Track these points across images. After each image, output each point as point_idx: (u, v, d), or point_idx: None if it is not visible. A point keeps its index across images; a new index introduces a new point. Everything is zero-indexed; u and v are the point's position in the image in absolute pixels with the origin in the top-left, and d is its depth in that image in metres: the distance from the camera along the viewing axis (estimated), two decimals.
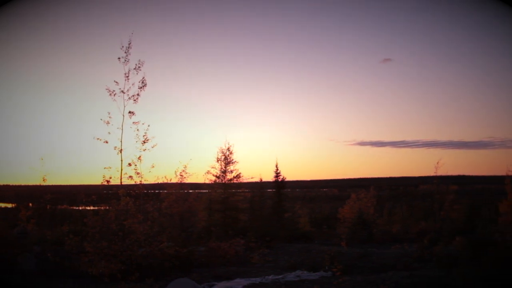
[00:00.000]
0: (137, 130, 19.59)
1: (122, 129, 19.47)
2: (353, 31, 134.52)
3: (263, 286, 16.16)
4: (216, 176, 34.16)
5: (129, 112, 19.58)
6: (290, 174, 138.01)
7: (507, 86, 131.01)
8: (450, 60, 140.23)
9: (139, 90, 19.83)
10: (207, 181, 34.48)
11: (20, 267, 18.24)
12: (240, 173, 34.27)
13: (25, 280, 17.00)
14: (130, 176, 19.69)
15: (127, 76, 19.81)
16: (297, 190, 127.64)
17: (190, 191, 34.21)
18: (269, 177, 38.72)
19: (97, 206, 24.05)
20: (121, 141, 19.50)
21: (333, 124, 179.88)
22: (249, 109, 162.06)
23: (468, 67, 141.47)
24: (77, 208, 53.23)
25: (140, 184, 19.98)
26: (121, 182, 19.51)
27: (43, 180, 26.01)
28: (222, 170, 34.07)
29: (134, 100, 19.78)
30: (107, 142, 19.47)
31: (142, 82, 19.86)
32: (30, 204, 30.81)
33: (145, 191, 21.51)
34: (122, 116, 19.54)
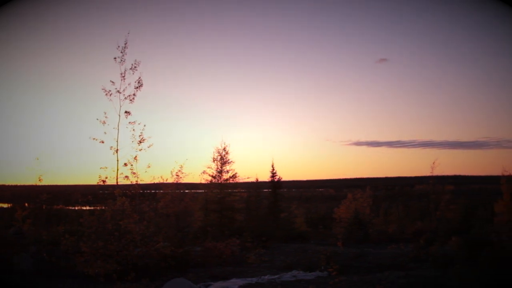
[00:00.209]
0: (133, 130, 19.57)
1: (118, 129, 19.45)
2: (349, 31, 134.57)
3: (259, 286, 16.17)
4: (212, 176, 34.15)
5: (125, 112, 19.56)
6: (286, 174, 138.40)
7: (503, 86, 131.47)
8: (446, 61, 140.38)
9: (135, 90, 19.81)
10: (203, 181, 34.49)
11: (16, 267, 18.22)
12: (236, 173, 34.30)
13: (21, 280, 16.98)
14: (126, 176, 19.66)
15: (123, 76, 19.79)
16: (293, 190, 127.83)
17: (186, 191, 34.25)
18: (265, 177, 38.78)
19: (93, 206, 24.05)
20: (117, 141, 19.48)
21: (329, 124, 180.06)
22: (245, 109, 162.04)
23: (465, 67, 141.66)
24: (73, 208, 53.16)
25: (136, 184, 19.94)
26: (117, 182, 19.49)
27: (39, 180, 26.01)
28: (218, 170, 34.06)
29: (130, 100, 19.76)
30: (103, 142, 19.45)
31: (138, 82, 19.84)
32: (26, 204, 30.76)
33: (141, 191, 21.51)
34: (118, 116, 19.52)
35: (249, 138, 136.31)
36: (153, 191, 32.95)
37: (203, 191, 36.94)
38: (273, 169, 37.74)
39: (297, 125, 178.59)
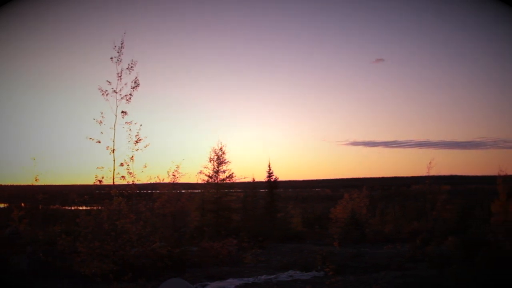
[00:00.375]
0: (130, 130, 19.53)
1: (114, 129, 19.42)
2: (346, 32, 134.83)
3: (256, 286, 16.17)
4: (209, 176, 34.18)
5: (122, 112, 19.52)
6: (283, 174, 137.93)
7: (499, 86, 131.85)
8: (443, 61, 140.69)
9: (132, 90, 19.77)
10: (199, 181, 34.51)
11: (12, 268, 18.19)
12: (232, 173, 34.33)
13: (18, 280, 16.97)
14: (123, 176, 19.61)
15: (120, 76, 19.76)
16: (290, 190, 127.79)
17: (183, 191, 34.22)
18: (261, 177, 38.81)
19: (90, 206, 24.01)
20: (113, 141, 19.44)
21: (325, 124, 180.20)
22: (241, 110, 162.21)
23: (461, 67, 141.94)
24: (70, 208, 53.06)
25: (133, 184, 19.90)
26: (113, 182, 19.46)
27: (35, 180, 25.92)
28: (214, 170, 34.09)
29: (127, 100, 19.72)
30: (99, 142, 19.41)
31: (135, 82, 19.80)
32: (23, 204, 30.68)
33: (138, 191, 21.45)
34: (115, 116, 19.49)
35: (246, 138, 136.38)
36: (149, 191, 32.89)
37: (199, 191, 36.94)
38: (270, 169, 37.82)
39: (293, 125, 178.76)
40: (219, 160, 33.97)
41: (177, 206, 29.99)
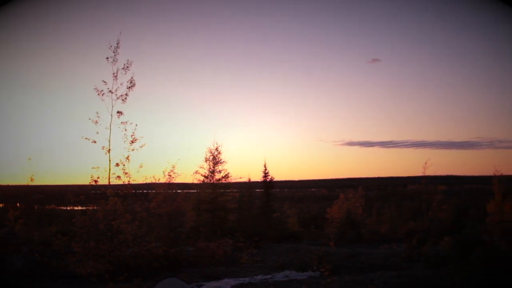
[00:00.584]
0: (125, 130, 19.56)
1: (110, 129, 19.45)
2: (342, 32, 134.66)
3: (252, 286, 16.19)
4: (205, 176, 34.13)
5: (118, 112, 19.54)
6: (279, 174, 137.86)
7: (495, 86, 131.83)
8: (439, 61, 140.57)
9: (128, 90, 19.79)
10: (195, 181, 34.45)
11: (8, 268, 18.18)
12: (228, 173, 34.30)
13: (13, 280, 16.95)
14: (118, 176, 19.64)
15: (116, 76, 19.78)
16: (286, 190, 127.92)
17: (179, 191, 34.18)
18: (257, 177, 38.80)
19: (85, 206, 23.99)
20: (109, 141, 19.47)
21: (321, 124, 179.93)
22: (237, 110, 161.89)
23: (457, 67, 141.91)
24: (65, 208, 53.00)
25: (128, 184, 19.91)
26: (109, 182, 19.48)
27: (31, 180, 25.92)
28: (210, 170, 34.05)
29: (123, 100, 19.74)
30: (95, 142, 19.45)
31: (131, 82, 19.82)
32: (18, 204, 30.67)
33: (134, 191, 21.45)
34: (110, 116, 19.51)
35: (241, 138, 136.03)
36: (145, 191, 32.86)
37: (195, 191, 36.91)
38: (266, 169, 37.80)
39: (289, 125, 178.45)
40: (215, 160, 33.95)
41: (173, 206, 29.95)
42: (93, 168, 19.33)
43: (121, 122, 19.53)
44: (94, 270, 16.99)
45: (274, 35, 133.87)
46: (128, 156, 19.64)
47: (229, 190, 36.04)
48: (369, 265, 20.04)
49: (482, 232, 19.65)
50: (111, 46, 19.83)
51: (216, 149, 33.91)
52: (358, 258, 21.98)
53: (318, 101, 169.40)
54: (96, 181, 19.27)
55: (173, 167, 29.13)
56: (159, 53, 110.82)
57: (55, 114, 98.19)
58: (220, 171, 34.16)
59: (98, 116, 19.39)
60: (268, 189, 37.93)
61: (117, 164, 19.49)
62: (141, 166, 20.04)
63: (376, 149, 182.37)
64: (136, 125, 19.75)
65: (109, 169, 19.47)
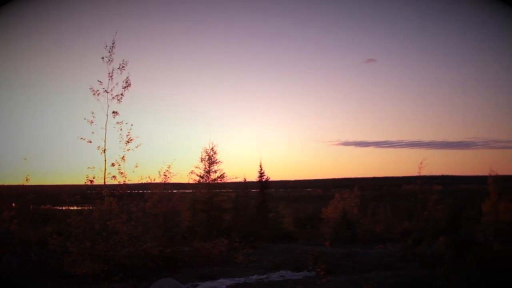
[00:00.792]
0: (121, 130, 19.49)
1: (105, 129, 19.38)
2: (337, 31, 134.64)
3: (247, 286, 16.20)
4: (200, 176, 34.13)
5: (113, 112, 19.46)
6: (274, 174, 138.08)
7: (490, 86, 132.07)
8: (434, 61, 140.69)
9: (123, 90, 19.72)
10: (191, 181, 34.43)
11: (3, 268, 18.15)
12: (224, 173, 34.29)
13: (8, 280, 16.93)
14: (114, 176, 19.58)
15: (111, 76, 19.72)
16: (281, 190, 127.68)
17: (174, 191, 34.15)
18: (253, 177, 38.83)
19: (81, 206, 23.96)
20: (104, 141, 19.39)
21: (317, 124, 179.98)
22: (233, 109, 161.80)
23: (452, 68, 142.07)
24: (61, 208, 52.91)
25: (124, 184, 19.86)
26: (104, 182, 19.42)
27: (26, 180, 25.87)
28: (206, 170, 34.05)
29: (118, 100, 19.67)
30: (90, 141, 19.36)
31: (126, 82, 19.76)
32: (13, 204, 30.58)
33: (129, 191, 21.41)
34: (106, 116, 19.45)
35: (237, 138, 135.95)
36: (140, 191, 32.81)
37: (191, 191, 36.89)
38: (261, 169, 37.84)
39: (285, 125, 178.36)
40: (211, 160, 33.95)
41: (168, 206, 29.89)
42: (88, 168, 19.26)
43: (117, 122, 19.46)
44: (89, 270, 16.99)
45: (269, 36, 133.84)
46: (123, 156, 19.57)
47: (224, 190, 36.10)
48: (364, 265, 20.08)
49: (478, 232, 19.69)
50: (106, 46, 19.77)
51: (212, 149, 33.94)
52: (353, 258, 22.02)
53: (314, 101, 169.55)
54: (91, 181, 19.20)
55: (169, 167, 29.09)
56: (154, 53, 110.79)
57: (51, 114, 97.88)
58: (215, 171, 34.19)
59: (93, 116, 19.31)
60: (263, 189, 37.97)
61: (113, 164, 19.43)
62: (137, 166, 19.98)
63: (371, 149, 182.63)
64: (132, 125, 19.69)
65: (105, 169, 19.42)
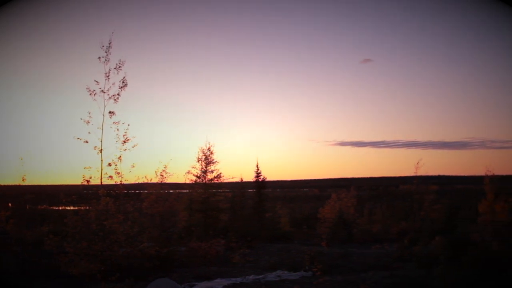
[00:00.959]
0: (117, 130, 19.48)
1: (102, 129, 19.37)
2: (333, 32, 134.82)
3: (244, 286, 16.20)
4: (197, 176, 34.11)
5: (110, 112, 19.46)
6: (271, 174, 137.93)
7: (486, 86, 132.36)
8: (431, 61, 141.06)
9: (120, 89, 19.71)
10: (188, 181, 34.41)
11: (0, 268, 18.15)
12: (220, 173, 34.28)
13: (5, 280, 16.90)
14: (110, 176, 19.57)
15: (108, 76, 19.70)
16: (278, 190, 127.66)
17: (171, 191, 34.13)
18: (249, 177, 38.82)
19: (77, 206, 23.95)
20: (101, 141, 19.39)
21: (313, 124, 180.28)
22: (230, 110, 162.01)
23: (449, 68, 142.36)
24: (57, 208, 52.85)
25: (121, 184, 19.85)
26: (101, 182, 19.41)
27: (23, 180, 25.85)
28: (202, 170, 34.03)
29: (115, 100, 19.66)
30: (87, 142, 19.35)
31: (123, 82, 19.74)
32: (10, 204, 30.56)
33: (126, 191, 21.39)
34: (103, 116, 19.44)
35: (234, 138, 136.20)
36: (137, 191, 32.77)
37: (188, 191, 36.86)
38: (258, 169, 37.82)
39: (281, 125, 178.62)
40: (207, 160, 33.94)
41: (165, 206, 29.85)
42: (85, 168, 19.26)
43: (113, 122, 19.45)
44: (86, 270, 16.98)
45: (266, 36, 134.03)
46: (120, 156, 19.57)
47: (221, 190, 36.09)
48: (361, 265, 20.09)
49: (474, 232, 19.70)
50: (103, 46, 19.75)
51: (208, 149, 33.93)
52: (350, 258, 22.03)
53: (310, 101, 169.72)
54: (88, 181, 19.20)
55: (165, 167, 29.07)
56: (151, 53, 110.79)
57: (47, 114, 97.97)
58: (212, 171, 34.18)
59: (90, 116, 19.30)
60: (260, 189, 37.95)
61: (109, 164, 19.42)
62: (133, 166, 19.99)
63: (368, 149, 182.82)
64: (128, 125, 19.70)
65: (101, 169, 19.41)
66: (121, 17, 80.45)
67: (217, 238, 24.40)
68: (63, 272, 17.31)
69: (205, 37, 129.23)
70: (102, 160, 19.44)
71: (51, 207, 53.87)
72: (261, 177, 37.95)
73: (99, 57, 19.73)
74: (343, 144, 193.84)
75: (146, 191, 30.76)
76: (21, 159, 25.73)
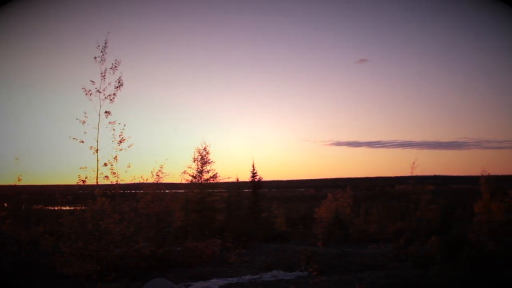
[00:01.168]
0: (113, 130, 19.45)
1: (98, 129, 19.34)
2: (329, 32, 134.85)
3: (240, 286, 16.20)
4: (193, 176, 34.04)
5: (105, 111, 19.42)
6: (267, 174, 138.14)
7: (482, 87, 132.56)
8: (427, 61, 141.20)
9: (116, 89, 19.68)
10: (183, 181, 34.36)
11: None
12: (216, 173, 34.21)
13: (0, 280, 16.88)
14: (106, 176, 19.55)
15: (104, 76, 19.67)
16: (274, 190, 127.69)
17: (167, 191, 34.09)
18: (245, 177, 38.82)
19: (73, 206, 23.92)
20: (97, 141, 19.36)
21: (309, 124, 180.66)
22: (226, 110, 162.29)
23: (445, 68, 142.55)
24: (53, 208, 52.76)
25: (116, 184, 19.82)
26: (97, 182, 19.38)
27: (18, 179, 25.81)
28: (198, 170, 33.96)
29: (111, 99, 19.64)
30: (83, 141, 19.32)
31: (119, 82, 19.71)
32: (5, 204, 30.51)
33: (121, 191, 21.36)
34: (98, 116, 19.41)
35: (230, 138, 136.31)
36: (133, 191, 32.74)
37: (183, 191, 36.82)
38: (254, 169, 37.80)
39: (277, 125, 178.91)
40: (203, 160, 33.88)
41: (161, 206, 29.84)
42: (81, 168, 19.23)
43: (109, 122, 19.42)
44: (82, 270, 16.96)
45: (262, 36, 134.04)
46: (116, 156, 19.54)
47: (217, 190, 36.04)
48: (357, 265, 20.09)
49: (470, 232, 19.73)
50: (99, 46, 19.74)
51: (204, 149, 33.87)
52: (346, 258, 22.02)
53: (306, 102, 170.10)
54: (84, 181, 19.16)
55: (161, 167, 29.05)
56: (147, 53, 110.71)
57: (43, 113, 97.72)
58: (208, 171, 34.11)
59: (85, 116, 19.27)
60: (256, 189, 37.95)
61: (105, 164, 19.40)
62: (129, 166, 19.96)
63: (363, 149, 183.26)
64: (124, 125, 19.67)
65: (97, 169, 19.39)
66: (121, 17, 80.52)
67: (213, 238, 24.39)
68: (59, 272, 17.29)
69: (203, 37, 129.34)
70: (98, 160, 19.42)
71: (47, 207, 53.78)
72: (257, 177, 37.96)
73: (95, 57, 19.72)
74: (339, 144, 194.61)
75: (142, 191, 30.73)
76: (17, 159, 25.70)
